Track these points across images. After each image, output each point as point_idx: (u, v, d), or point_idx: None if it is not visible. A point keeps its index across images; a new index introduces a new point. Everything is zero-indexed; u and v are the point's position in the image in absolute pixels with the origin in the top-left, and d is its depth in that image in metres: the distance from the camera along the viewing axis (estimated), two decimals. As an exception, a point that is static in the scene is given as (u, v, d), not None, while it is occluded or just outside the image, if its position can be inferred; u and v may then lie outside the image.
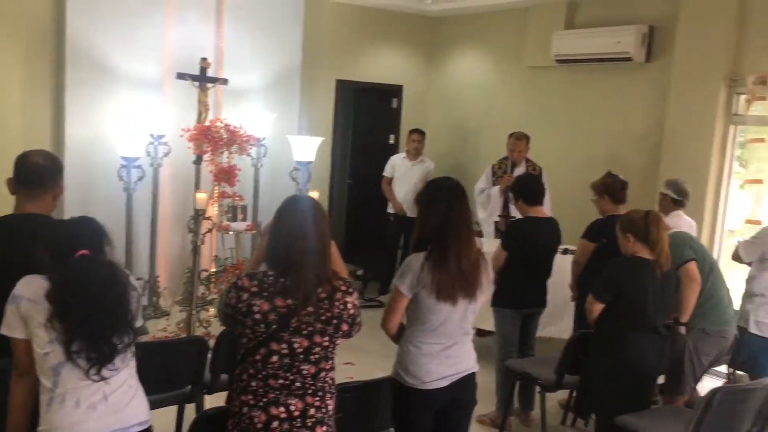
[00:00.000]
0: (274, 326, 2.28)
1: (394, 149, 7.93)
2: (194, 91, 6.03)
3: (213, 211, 5.91)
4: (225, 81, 6.32)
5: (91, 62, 5.94)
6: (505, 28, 7.29)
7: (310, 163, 6.05)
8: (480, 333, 5.27)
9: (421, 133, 7.15)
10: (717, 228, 5.50)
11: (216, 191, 5.87)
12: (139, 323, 2.43)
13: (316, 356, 2.36)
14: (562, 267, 4.67)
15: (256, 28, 6.71)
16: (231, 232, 5.81)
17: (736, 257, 4.33)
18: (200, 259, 5.67)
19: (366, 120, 8.59)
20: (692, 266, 3.89)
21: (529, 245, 4.32)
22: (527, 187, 4.49)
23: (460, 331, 2.83)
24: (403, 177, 7.07)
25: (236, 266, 5.63)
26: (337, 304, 2.37)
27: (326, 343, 2.37)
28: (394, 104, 8.12)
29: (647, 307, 3.48)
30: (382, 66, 7.86)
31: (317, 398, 2.35)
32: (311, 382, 2.34)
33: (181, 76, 5.99)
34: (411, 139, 7.14)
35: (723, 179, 5.49)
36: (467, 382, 2.87)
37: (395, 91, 8.05)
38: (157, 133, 5.85)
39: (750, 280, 4.29)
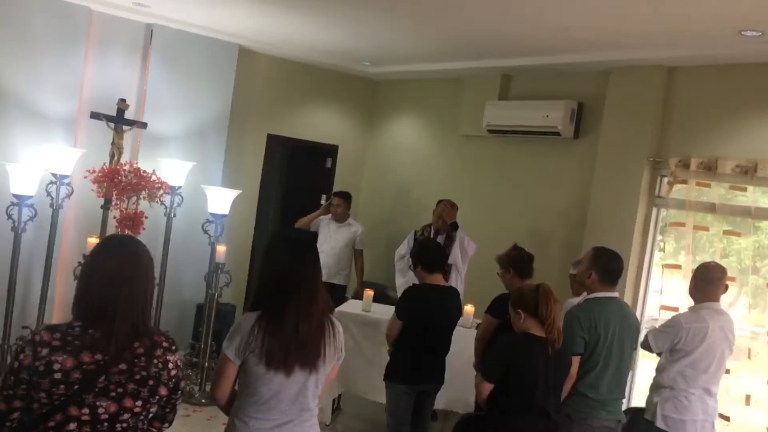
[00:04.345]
0: (77, 386, 1.95)
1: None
2: (110, 133, 5.76)
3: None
4: (144, 125, 6.06)
5: (-4, 92, 5.64)
6: (441, 95, 7.22)
7: (224, 216, 5.78)
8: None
9: (344, 196, 6.58)
10: (638, 313, 5.29)
11: (118, 238, 5.52)
12: None
13: (123, 425, 2.03)
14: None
15: (184, 73, 6.50)
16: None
17: (645, 346, 4.07)
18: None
19: (298, 178, 8.35)
20: (574, 360, 3.58)
21: (423, 314, 4.03)
22: (427, 253, 4.23)
23: (296, 408, 2.45)
24: (327, 240, 6.46)
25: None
26: (155, 361, 2.07)
27: (138, 410, 2.04)
28: (329, 164, 7.91)
29: (537, 388, 3.21)
30: (317, 124, 7.67)
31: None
32: (110, 459, 2.00)
33: (95, 115, 5.72)
34: (332, 202, 6.59)
35: (644, 262, 5.35)
36: None
37: (330, 150, 7.86)
38: (61, 173, 5.51)
39: (659, 370, 4.01)
